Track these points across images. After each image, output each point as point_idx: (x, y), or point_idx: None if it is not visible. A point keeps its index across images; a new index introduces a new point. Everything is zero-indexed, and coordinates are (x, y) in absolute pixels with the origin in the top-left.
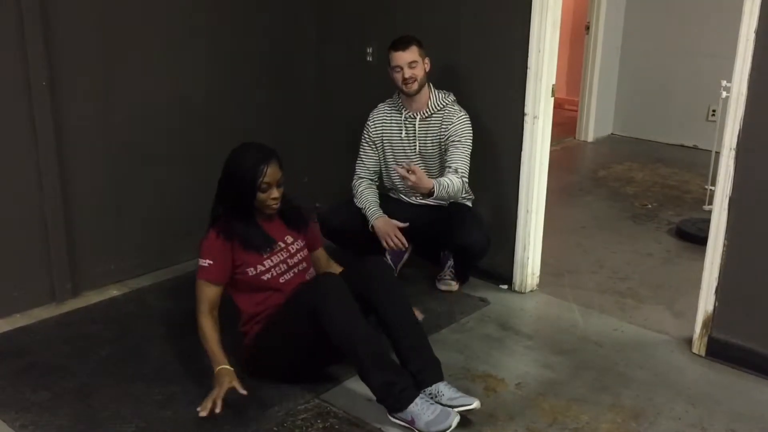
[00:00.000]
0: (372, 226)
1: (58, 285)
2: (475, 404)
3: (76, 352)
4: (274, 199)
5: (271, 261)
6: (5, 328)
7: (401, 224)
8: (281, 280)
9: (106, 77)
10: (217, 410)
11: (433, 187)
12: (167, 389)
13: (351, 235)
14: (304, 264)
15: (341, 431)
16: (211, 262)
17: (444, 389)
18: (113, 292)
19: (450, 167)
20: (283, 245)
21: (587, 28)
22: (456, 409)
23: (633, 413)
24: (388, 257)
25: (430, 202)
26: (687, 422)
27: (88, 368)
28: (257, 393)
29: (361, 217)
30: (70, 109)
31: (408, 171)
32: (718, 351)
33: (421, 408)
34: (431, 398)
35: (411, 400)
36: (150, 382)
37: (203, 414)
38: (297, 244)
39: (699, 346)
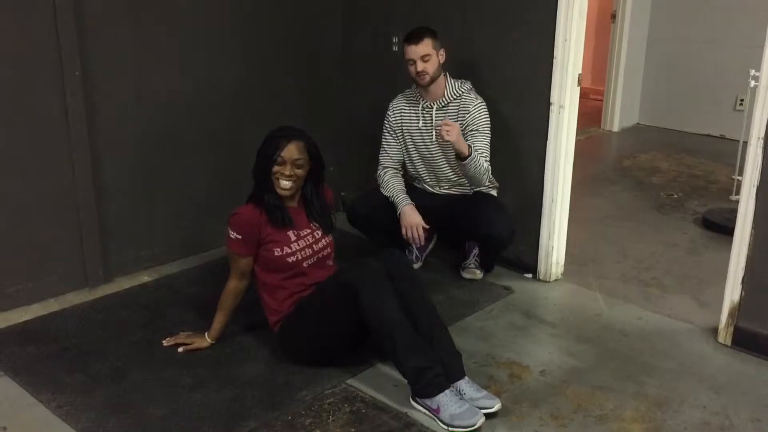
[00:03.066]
0: (400, 213)
1: (90, 271)
2: (497, 406)
3: (109, 336)
4: (287, 175)
5: (298, 245)
6: (40, 313)
7: (425, 225)
8: (305, 264)
9: (137, 68)
10: (179, 350)
11: (470, 149)
12: (197, 373)
13: (378, 223)
14: (328, 250)
15: (368, 415)
16: (239, 236)
17: (466, 388)
18: (144, 278)
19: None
20: (308, 231)
21: (613, 16)
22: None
23: (657, 401)
24: (414, 246)
25: (454, 191)
26: (712, 411)
27: (121, 352)
28: (285, 377)
29: (387, 205)
30: (102, 99)
31: (446, 129)
32: (744, 340)
33: (449, 399)
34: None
35: (441, 390)
36: (181, 366)
37: (167, 344)
38: (320, 232)
39: (724, 335)
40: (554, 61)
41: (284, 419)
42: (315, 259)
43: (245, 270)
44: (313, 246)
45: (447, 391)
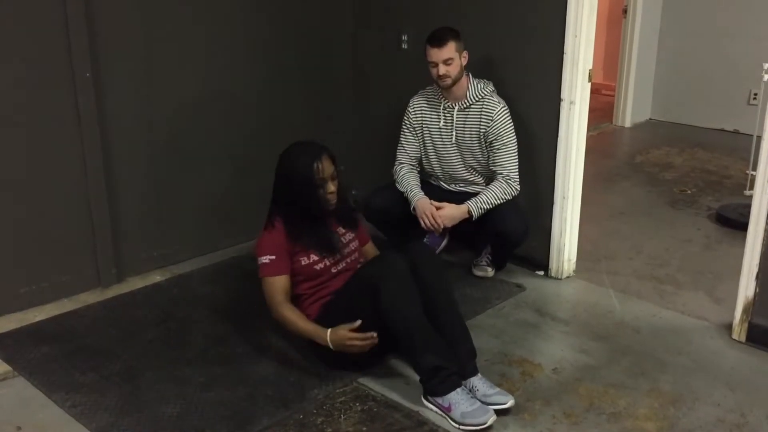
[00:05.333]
0: (414, 207)
1: (103, 270)
2: (510, 403)
3: (122, 336)
4: (332, 193)
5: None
6: (54, 312)
7: (437, 204)
8: (333, 270)
9: (147, 69)
10: (374, 340)
11: (470, 211)
12: (210, 372)
13: (392, 218)
14: (356, 254)
15: (379, 414)
16: (273, 257)
17: (479, 384)
18: (156, 277)
19: (501, 174)
20: (336, 236)
21: (624, 11)
22: (490, 407)
23: (671, 399)
24: (434, 234)
25: (469, 189)
26: (726, 408)
27: (134, 351)
28: (297, 376)
29: (402, 200)
30: (113, 100)
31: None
32: (759, 337)
33: (460, 398)
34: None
35: (453, 388)
36: (193, 364)
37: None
38: (349, 236)
39: (739, 332)
40: (564, 56)
41: (296, 418)
42: (344, 264)
43: (286, 289)
44: (342, 251)
45: (458, 389)
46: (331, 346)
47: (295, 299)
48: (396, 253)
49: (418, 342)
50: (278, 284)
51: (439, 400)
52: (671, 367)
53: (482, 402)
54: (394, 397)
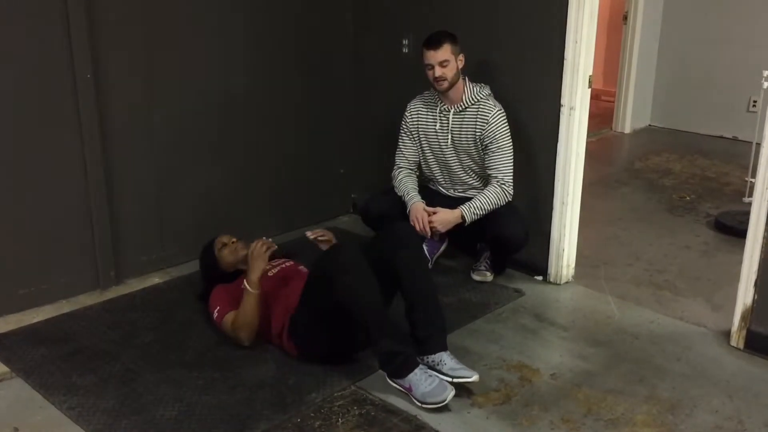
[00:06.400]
0: (409, 211)
1: (102, 272)
2: (474, 377)
3: (120, 338)
4: (235, 242)
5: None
6: (52, 314)
7: (431, 210)
8: (270, 274)
9: (148, 71)
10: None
11: (462, 216)
12: (208, 374)
13: (391, 221)
14: (289, 262)
15: (377, 418)
16: (220, 306)
17: (446, 359)
18: (155, 279)
19: (496, 177)
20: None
21: (625, 17)
22: (455, 380)
23: (669, 405)
24: (425, 248)
25: (468, 195)
26: (724, 415)
27: (132, 353)
28: (295, 379)
29: (401, 205)
30: (114, 101)
31: (430, 216)
32: (757, 344)
33: (419, 378)
34: (434, 365)
35: (411, 370)
36: (191, 367)
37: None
38: (275, 261)
39: (737, 339)
40: (565, 62)
41: (294, 421)
42: (278, 269)
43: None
44: (271, 263)
45: (417, 370)
46: (250, 288)
47: (267, 319)
48: (348, 242)
49: (372, 326)
50: (233, 315)
51: (401, 381)
52: (669, 374)
53: (449, 375)
54: (392, 401)
